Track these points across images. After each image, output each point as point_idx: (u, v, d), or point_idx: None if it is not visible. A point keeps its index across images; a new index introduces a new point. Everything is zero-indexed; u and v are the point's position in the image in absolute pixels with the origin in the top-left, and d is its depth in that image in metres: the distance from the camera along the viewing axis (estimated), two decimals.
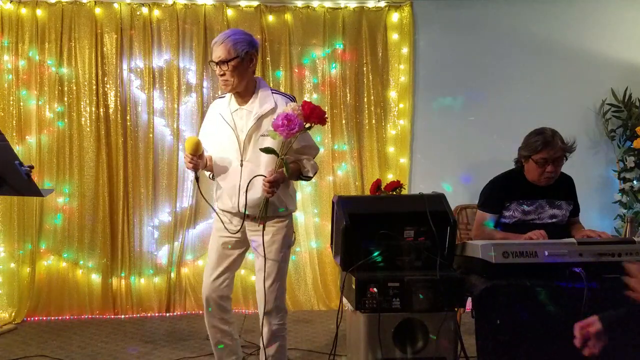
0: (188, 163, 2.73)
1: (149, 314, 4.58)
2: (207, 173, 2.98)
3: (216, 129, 2.85)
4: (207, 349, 3.81)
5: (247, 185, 2.72)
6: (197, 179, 2.84)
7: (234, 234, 2.87)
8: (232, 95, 2.84)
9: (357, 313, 2.47)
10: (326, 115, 2.62)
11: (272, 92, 2.82)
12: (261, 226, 2.77)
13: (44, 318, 4.50)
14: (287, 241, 2.88)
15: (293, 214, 2.98)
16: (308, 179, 2.88)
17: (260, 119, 2.75)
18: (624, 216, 4.73)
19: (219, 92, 3.72)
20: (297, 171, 2.80)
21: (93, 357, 3.73)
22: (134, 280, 4.61)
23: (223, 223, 2.88)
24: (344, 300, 2.65)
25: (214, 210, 2.98)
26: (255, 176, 2.71)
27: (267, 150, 2.63)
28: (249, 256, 3.97)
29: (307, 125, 2.57)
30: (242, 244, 2.95)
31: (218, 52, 2.71)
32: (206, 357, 3.71)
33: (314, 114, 2.54)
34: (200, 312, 4.59)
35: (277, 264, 2.83)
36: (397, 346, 2.43)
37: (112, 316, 4.55)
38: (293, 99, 2.86)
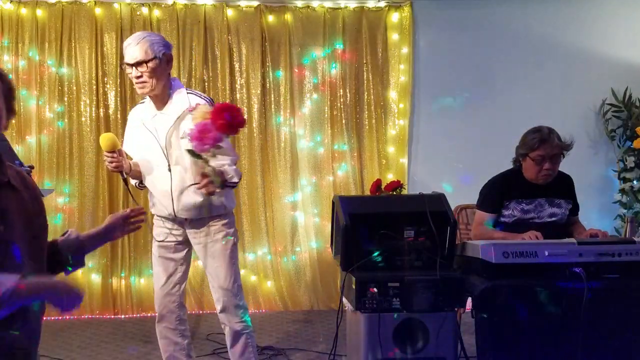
0: (109, 163, 2.60)
1: (149, 314, 4.57)
2: (134, 181, 2.85)
3: (139, 136, 2.76)
4: (207, 349, 3.81)
5: (181, 190, 2.67)
6: (125, 181, 2.73)
7: (177, 237, 2.81)
8: (151, 100, 2.75)
9: (357, 313, 2.47)
10: (238, 130, 2.47)
11: (188, 92, 2.72)
12: (202, 228, 2.75)
13: (44, 318, 4.49)
14: (232, 239, 2.81)
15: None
16: (234, 185, 2.72)
17: (177, 121, 2.66)
18: (624, 216, 4.73)
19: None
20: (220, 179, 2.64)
21: (93, 357, 3.73)
22: (134, 280, 4.61)
23: (166, 228, 2.80)
24: (344, 300, 2.65)
25: (152, 212, 2.87)
26: (189, 185, 2.64)
27: (192, 154, 2.50)
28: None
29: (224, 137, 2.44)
30: (185, 245, 2.86)
31: (134, 52, 2.57)
32: (206, 357, 3.71)
33: (228, 122, 2.38)
34: (200, 311, 4.60)
35: (226, 262, 2.77)
36: (397, 346, 2.43)
37: (112, 316, 4.55)
38: (209, 100, 2.72)
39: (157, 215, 2.85)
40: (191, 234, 2.80)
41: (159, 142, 2.69)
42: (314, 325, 4.34)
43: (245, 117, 2.54)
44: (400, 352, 2.43)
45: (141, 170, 2.80)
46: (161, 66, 2.62)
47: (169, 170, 2.70)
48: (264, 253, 4.72)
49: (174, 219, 2.79)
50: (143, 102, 2.82)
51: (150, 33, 2.73)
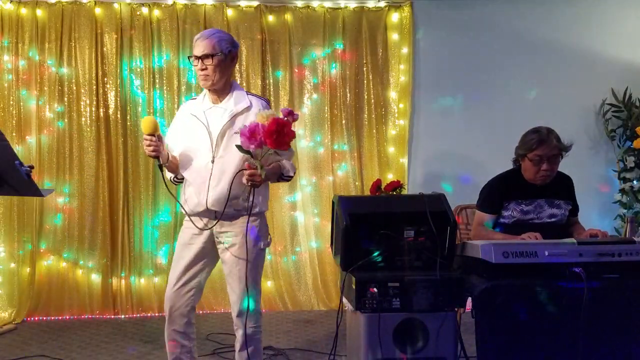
0: (147, 147, 2.63)
1: (149, 314, 4.58)
2: (169, 175, 2.86)
3: (187, 127, 2.81)
4: (207, 349, 3.81)
5: (219, 182, 2.70)
6: (160, 167, 2.73)
7: (204, 239, 2.79)
8: (206, 95, 2.83)
9: (357, 313, 2.47)
10: (290, 142, 2.56)
11: (247, 94, 2.84)
12: (233, 227, 2.75)
13: (44, 318, 4.50)
14: (259, 242, 2.79)
15: (266, 213, 2.93)
16: (289, 178, 2.84)
17: (234, 117, 2.75)
18: (624, 216, 4.73)
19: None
20: (276, 172, 2.75)
21: (93, 357, 3.73)
22: (134, 280, 4.61)
23: (197, 227, 2.79)
24: (344, 300, 2.65)
25: (184, 211, 2.84)
26: (238, 171, 2.66)
27: (241, 150, 2.59)
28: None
29: (266, 148, 2.51)
30: (210, 250, 2.84)
31: (202, 46, 2.71)
32: (206, 357, 3.71)
33: (273, 137, 2.48)
34: (200, 311, 4.59)
35: (251, 265, 2.74)
36: (397, 346, 2.43)
37: (112, 316, 4.55)
38: (267, 102, 2.88)
39: (188, 214, 2.82)
40: (220, 231, 2.78)
41: (211, 133, 2.74)
42: (314, 325, 4.34)
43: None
44: (400, 352, 2.43)
45: (181, 161, 2.80)
46: (225, 62, 2.74)
47: (212, 161, 2.73)
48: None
49: (205, 214, 2.77)
50: (195, 98, 2.91)
51: (220, 30, 2.87)
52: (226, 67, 2.76)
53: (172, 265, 2.88)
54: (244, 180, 2.61)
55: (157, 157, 2.67)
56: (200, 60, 2.71)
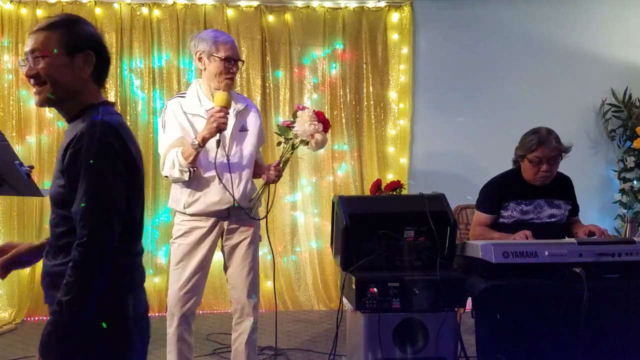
0: (218, 118, 2.59)
1: (148, 314, 4.57)
2: (187, 167, 2.68)
3: (193, 128, 2.74)
4: (207, 349, 3.81)
5: (239, 179, 2.79)
6: (218, 142, 2.66)
7: (210, 236, 2.81)
8: (201, 94, 2.79)
9: (357, 313, 2.47)
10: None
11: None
12: (242, 227, 2.87)
13: (44, 318, 4.50)
14: (259, 241, 2.96)
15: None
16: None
17: (239, 115, 2.86)
18: (624, 216, 4.73)
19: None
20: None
21: None
22: None
23: (201, 228, 2.81)
24: (344, 300, 2.65)
25: (184, 211, 2.81)
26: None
27: (281, 130, 2.86)
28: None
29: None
30: (213, 245, 2.86)
31: (237, 51, 2.83)
32: (206, 357, 3.71)
33: (326, 121, 2.90)
34: (200, 311, 4.59)
35: (254, 263, 2.90)
36: (397, 346, 2.43)
37: None
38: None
39: (196, 215, 2.79)
40: (228, 230, 2.84)
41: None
42: (314, 325, 4.34)
43: None
44: (400, 352, 2.43)
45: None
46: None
47: (227, 160, 2.75)
48: (264, 253, 4.71)
49: (215, 213, 2.78)
50: (183, 97, 2.84)
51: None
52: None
53: (180, 265, 2.81)
54: (268, 177, 2.85)
55: (220, 132, 2.65)
56: (233, 63, 2.78)
